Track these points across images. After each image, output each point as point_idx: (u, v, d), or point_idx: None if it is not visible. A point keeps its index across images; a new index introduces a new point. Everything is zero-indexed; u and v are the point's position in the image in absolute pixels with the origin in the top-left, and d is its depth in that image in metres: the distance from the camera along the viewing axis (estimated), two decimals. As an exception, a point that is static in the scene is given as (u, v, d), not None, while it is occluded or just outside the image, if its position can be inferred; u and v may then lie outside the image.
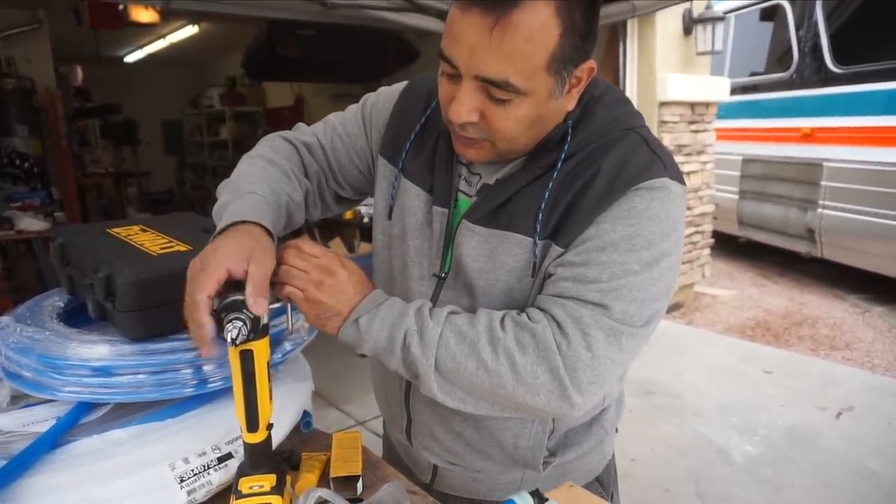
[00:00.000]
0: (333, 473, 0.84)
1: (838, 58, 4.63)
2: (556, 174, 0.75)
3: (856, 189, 4.46)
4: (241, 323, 0.63)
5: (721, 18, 4.01)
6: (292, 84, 7.57)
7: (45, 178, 4.23)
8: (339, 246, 4.32)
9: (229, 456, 0.83)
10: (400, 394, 0.91)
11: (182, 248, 0.99)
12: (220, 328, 0.64)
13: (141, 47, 7.80)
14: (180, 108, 9.53)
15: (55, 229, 1.08)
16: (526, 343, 0.70)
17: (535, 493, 0.72)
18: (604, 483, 1.00)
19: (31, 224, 3.14)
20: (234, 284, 0.67)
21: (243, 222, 0.74)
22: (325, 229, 4.76)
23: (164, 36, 7.08)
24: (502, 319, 0.73)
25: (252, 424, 0.72)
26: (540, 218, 0.74)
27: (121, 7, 4.48)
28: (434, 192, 0.84)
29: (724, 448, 2.64)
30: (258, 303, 0.64)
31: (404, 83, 0.95)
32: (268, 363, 0.72)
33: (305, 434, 0.99)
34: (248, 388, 0.71)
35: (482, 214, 0.78)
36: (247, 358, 0.69)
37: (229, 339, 0.62)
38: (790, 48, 5.05)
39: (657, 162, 0.74)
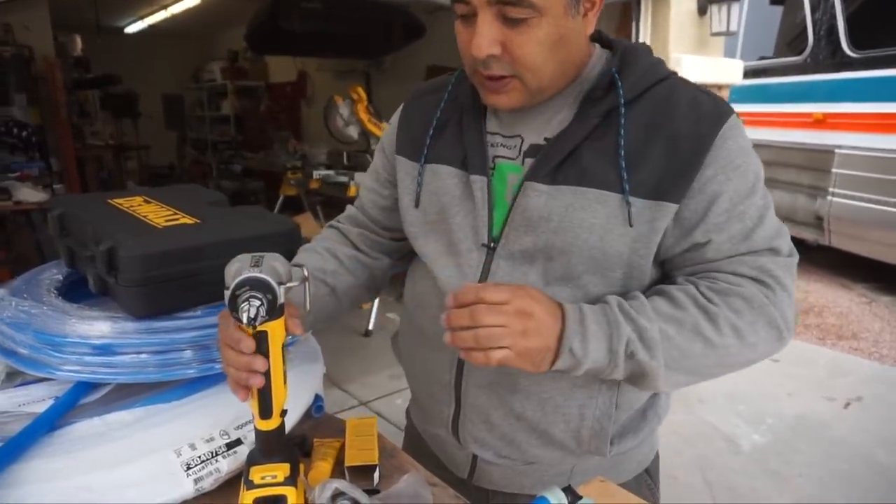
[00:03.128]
0: (349, 462, 0.79)
1: (854, 42, 4.53)
2: (623, 122, 0.72)
3: (868, 177, 4.38)
4: (259, 302, 0.58)
5: (737, -1, 3.91)
6: (295, 59, 7.43)
7: (43, 149, 4.15)
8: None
9: (238, 442, 0.78)
10: (448, 382, 0.85)
11: (188, 220, 0.94)
12: (233, 307, 0.59)
13: (142, 18, 7.63)
14: (181, 82, 9.38)
15: (53, 199, 1.02)
16: (739, 307, 0.72)
17: (568, 490, 0.68)
18: (652, 475, 0.96)
19: (29, 195, 3.07)
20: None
21: None
22: (329, 207, 4.69)
23: (165, 6, 6.92)
24: (701, 294, 0.73)
25: (265, 411, 0.67)
26: (624, 172, 0.71)
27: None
28: (468, 163, 0.80)
29: (732, 437, 2.61)
30: (294, 324, 0.68)
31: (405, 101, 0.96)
32: (283, 345, 0.67)
33: (316, 419, 0.94)
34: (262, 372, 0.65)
35: (546, 172, 0.74)
36: (261, 339, 0.64)
37: (245, 319, 0.57)
38: (801, 32, 4.94)
39: (717, 99, 0.76)
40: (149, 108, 8.15)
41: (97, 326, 0.81)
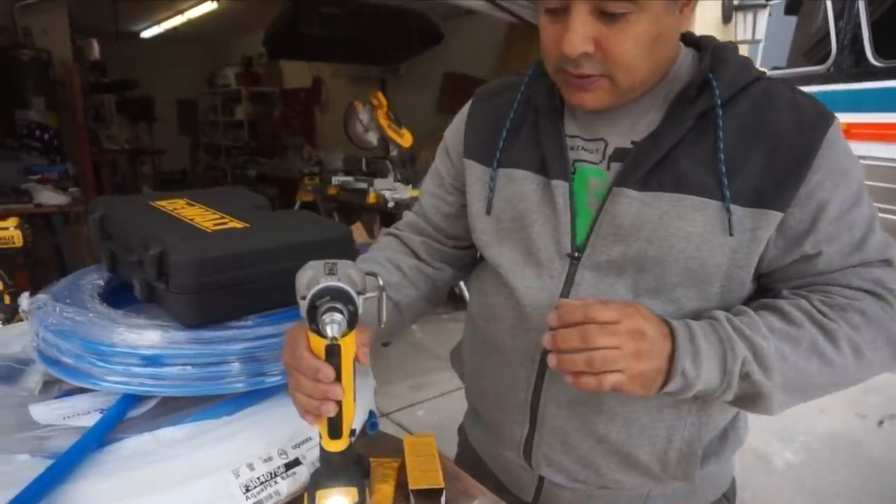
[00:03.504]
0: (413, 485, 0.74)
1: (879, 51, 4.47)
2: (721, 124, 0.67)
3: (892, 188, 4.31)
4: (341, 315, 0.53)
5: (763, 5, 3.87)
6: (310, 64, 7.44)
7: (61, 153, 4.13)
8: (359, 230, 4.22)
9: (297, 462, 0.73)
10: (524, 401, 0.80)
11: (237, 224, 0.89)
12: (311, 319, 0.54)
13: (158, 23, 7.67)
14: (196, 87, 9.41)
15: (95, 200, 0.98)
16: (857, 323, 0.67)
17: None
18: (730, 500, 0.91)
19: (50, 198, 3.05)
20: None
21: None
22: (344, 213, 4.66)
23: (182, 11, 6.95)
24: (816, 309, 0.68)
25: (335, 430, 0.62)
26: (724, 177, 0.66)
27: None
28: (547, 168, 0.76)
29: (765, 455, 2.54)
30: (363, 352, 0.65)
31: (471, 99, 0.91)
32: (354, 359, 0.63)
33: (370, 436, 0.89)
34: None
35: (638, 178, 0.69)
36: (333, 353, 0.59)
37: (330, 334, 0.52)
38: (818, 42, 4.89)
39: (816, 102, 0.71)
40: (163, 112, 8.17)
41: (147, 336, 0.76)
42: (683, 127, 0.69)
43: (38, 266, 3.31)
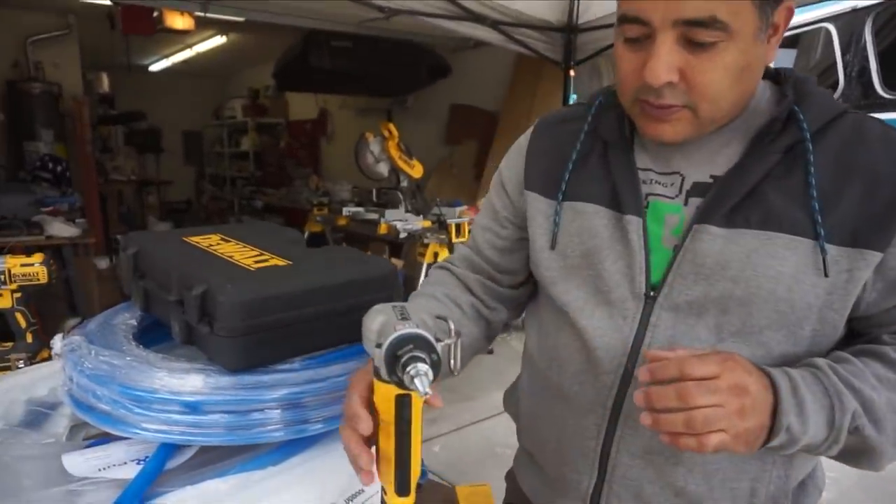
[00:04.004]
0: (475, 543, 0.69)
1: (887, 82, 4.50)
2: (812, 159, 0.64)
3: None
4: (426, 365, 0.49)
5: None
6: (317, 96, 7.51)
7: (71, 184, 4.12)
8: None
9: (351, 517, 0.68)
10: (593, 450, 0.75)
11: (280, 262, 0.86)
12: (391, 370, 0.50)
13: (167, 56, 7.75)
14: (202, 119, 9.49)
15: (127, 236, 0.95)
16: None
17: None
18: None
19: (62, 230, 3.02)
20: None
21: None
22: (352, 244, 4.63)
23: (190, 45, 7.03)
24: None
25: (403, 487, 0.58)
26: (818, 215, 0.63)
27: (155, 14, 4.41)
28: (619, 202, 0.72)
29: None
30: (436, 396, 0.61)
31: (530, 129, 0.87)
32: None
33: (420, 485, 0.84)
34: (402, 442, 0.56)
35: (722, 214, 0.66)
36: (404, 404, 0.55)
37: (421, 390, 0.48)
38: (822, 73, 4.92)
39: None
40: (169, 144, 8.21)
41: (189, 381, 0.72)
42: (769, 161, 0.65)
43: (45, 298, 3.27)
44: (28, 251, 1.56)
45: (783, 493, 0.70)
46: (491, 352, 3.81)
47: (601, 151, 0.76)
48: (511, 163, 0.87)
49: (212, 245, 0.94)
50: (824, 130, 0.66)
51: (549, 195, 0.79)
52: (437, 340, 0.53)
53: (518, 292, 0.89)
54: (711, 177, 0.69)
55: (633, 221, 0.71)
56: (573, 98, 3.80)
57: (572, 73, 3.67)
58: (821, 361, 0.63)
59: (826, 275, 0.62)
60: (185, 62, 7.82)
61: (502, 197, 0.87)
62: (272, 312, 0.75)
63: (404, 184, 3.90)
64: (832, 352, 0.67)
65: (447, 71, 5.44)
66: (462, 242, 0.97)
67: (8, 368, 1.09)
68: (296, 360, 0.79)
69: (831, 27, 4.94)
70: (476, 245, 0.90)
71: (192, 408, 0.72)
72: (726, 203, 0.65)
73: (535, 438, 0.87)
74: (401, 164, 3.81)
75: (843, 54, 4.84)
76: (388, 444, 0.57)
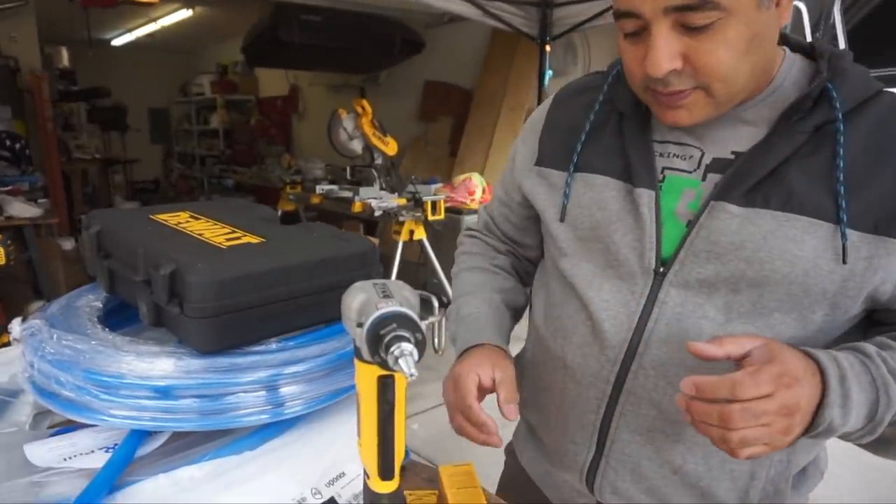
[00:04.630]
0: (460, 525, 0.68)
1: (856, 60, 4.55)
2: (842, 140, 0.61)
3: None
4: (410, 345, 0.46)
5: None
6: (287, 72, 7.33)
7: (32, 162, 3.97)
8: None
9: (332, 502, 0.66)
10: (592, 424, 0.74)
11: (252, 239, 0.82)
12: (373, 350, 0.47)
13: (130, 30, 7.48)
14: (169, 96, 9.22)
15: (90, 214, 0.90)
16: None
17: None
18: None
19: (22, 210, 2.91)
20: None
21: (472, 347, 0.80)
22: (326, 222, 4.57)
23: (155, 19, 6.79)
24: None
25: (387, 470, 0.55)
26: (842, 199, 0.60)
27: (116, -16, 4.24)
28: (632, 174, 0.70)
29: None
30: (511, 409, 0.70)
31: (547, 101, 0.85)
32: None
33: (403, 467, 0.82)
34: (385, 425, 0.54)
35: (741, 192, 0.63)
36: (387, 386, 0.53)
37: (407, 371, 0.45)
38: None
39: None
40: (135, 122, 7.97)
41: (159, 365, 0.69)
42: (796, 140, 0.63)
43: (7, 281, 3.16)
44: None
45: (783, 478, 0.70)
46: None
47: (616, 123, 0.74)
48: (526, 137, 0.85)
49: (180, 223, 0.89)
50: (858, 110, 0.63)
51: (561, 167, 0.77)
52: (421, 318, 0.50)
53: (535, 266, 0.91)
54: (733, 153, 0.67)
55: (644, 195, 0.68)
56: (549, 74, 3.76)
57: (548, 48, 3.63)
58: (871, 348, 0.61)
59: (844, 261, 0.60)
60: (150, 36, 7.56)
61: (513, 173, 0.86)
62: (245, 292, 0.71)
63: (378, 161, 3.84)
64: (875, 336, 0.65)
65: (421, 46, 5.35)
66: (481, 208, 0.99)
67: (-35, 354, 1.04)
68: (271, 341, 0.76)
69: (801, 6, 4.97)
70: (493, 219, 0.92)
71: (163, 392, 0.68)
72: (747, 181, 0.63)
73: (536, 409, 0.86)
74: (375, 140, 3.74)
75: (813, 32, 4.88)
76: (370, 425, 0.54)
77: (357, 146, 3.80)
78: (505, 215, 0.89)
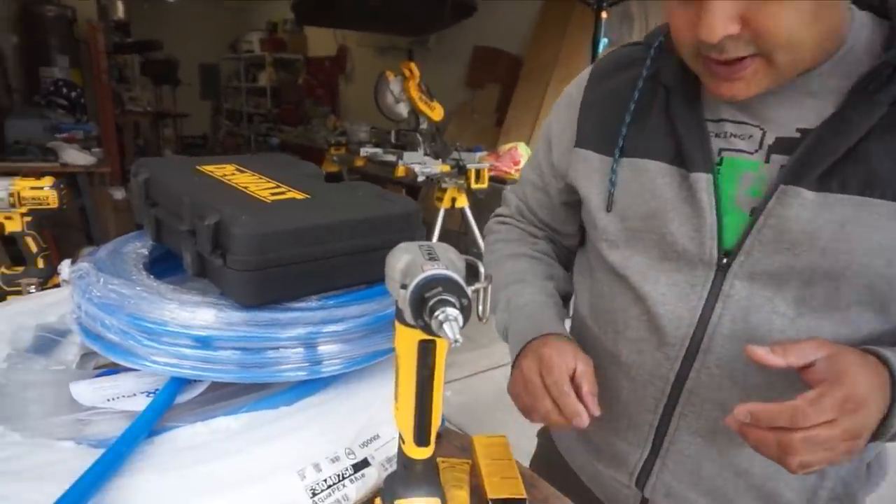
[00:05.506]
0: (493, 494, 0.67)
1: None
2: None
3: None
4: (456, 310, 0.44)
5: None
6: (336, 33, 7.29)
7: (87, 112, 4.07)
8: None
9: (365, 463, 0.66)
10: (648, 423, 0.71)
11: (297, 195, 0.81)
12: (417, 314, 0.46)
13: (184, -17, 7.56)
14: (219, 52, 9.30)
15: (138, 161, 0.90)
16: None
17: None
18: None
19: (77, 157, 2.98)
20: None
21: (536, 339, 0.74)
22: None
23: (208, -27, 6.83)
24: None
25: (422, 437, 0.55)
26: None
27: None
28: (685, 158, 0.64)
29: None
30: (593, 403, 0.65)
31: (582, 77, 0.79)
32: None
33: (439, 434, 0.82)
34: (423, 390, 0.53)
35: (815, 176, 0.57)
36: (428, 351, 0.51)
37: (451, 336, 0.43)
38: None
39: None
40: (186, 77, 8.08)
41: (200, 315, 0.69)
42: (874, 114, 0.55)
43: (62, 226, 3.27)
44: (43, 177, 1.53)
45: (854, 477, 0.66)
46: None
47: (663, 100, 0.68)
48: (561, 116, 0.79)
49: (226, 175, 0.89)
50: None
51: (604, 151, 0.71)
52: (467, 284, 0.48)
53: (574, 247, 0.87)
54: (799, 130, 0.60)
55: (701, 179, 0.63)
56: (603, 43, 3.64)
57: (605, 15, 3.49)
58: None
59: None
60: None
61: (549, 155, 0.80)
62: (288, 247, 0.71)
63: (424, 126, 3.81)
64: None
65: (472, 10, 5.22)
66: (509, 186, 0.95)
67: (19, 293, 1.07)
68: (312, 298, 0.75)
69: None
70: (528, 205, 0.86)
71: (203, 342, 0.69)
72: (820, 163, 0.57)
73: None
74: (421, 105, 3.70)
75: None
76: (408, 391, 0.53)
77: (403, 110, 3.77)
78: (541, 201, 0.84)
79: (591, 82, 0.77)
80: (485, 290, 0.53)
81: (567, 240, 0.86)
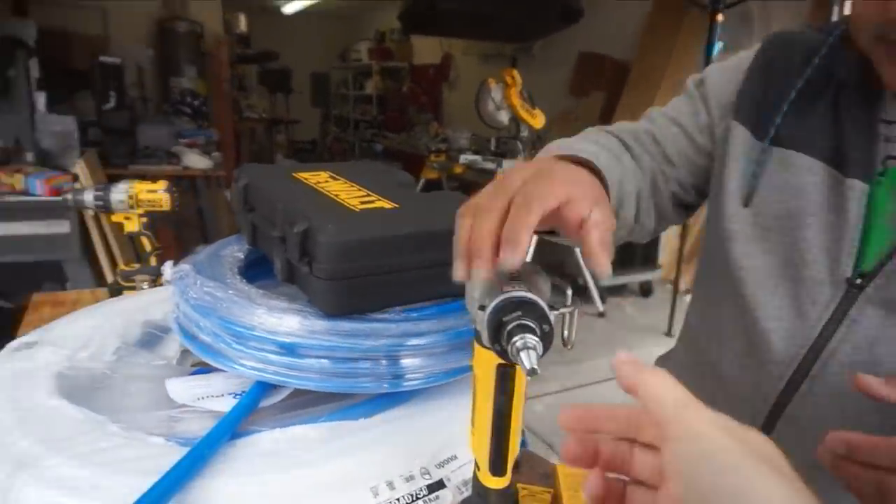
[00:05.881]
0: (576, 531, 0.63)
1: None
2: None
3: None
4: (535, 338, 0.41)
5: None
6: (441, 41, 7.41)
7: (208, 119, 4.37)
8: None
9: (440, 485, 0.64)
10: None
11: (385, 204, 0.81)
12: (495, 338, 0.43)
13: (301, -2, 7.97)
14: (329, 61, 9.73)
15: (240, 168, 0.94)
16: None
17: None
18: None
19: (197, 161, 3.21)
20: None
21: (578, 164, 0.55)
22: (468, 192, 4.59)
23: (324, -13, 7.16)
24: None
25: (498, 466, 0.52)
26: None
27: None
28: (844, 159, 0.57)
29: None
30: (603, 263, 0.42)
31: (751, 49, 0.70)
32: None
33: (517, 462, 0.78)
34: (500, 417, 0.50)
35: None
36: (506, 377, 0.48)
37: (527, 366, 0.40)
38: None
39: None
40: (298, 85, 8.51)
41: (286, 321, 0.70)
42: None
43: (182, 225, 3.52)
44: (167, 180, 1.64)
45: None
46: (602, 315, 3.68)
47: (832, 94, 0.61)
48: (724, 76, 0.71)
49: (319, 182, 0.90)
50: None
51: (756, 134, 0.64)
52: (551, 308, 0.45)
53: (669, 211, 0.75)
54: None
55: (855, 187, 0.56)
56: (717, 47, 3.43)
57: (720, 17, 3.30)
58: None
59: None
60: (317, 4, 7.98)
61: (701, 108, 0.72)
62: (372, 257, 0.70)
63: (524, 134, 3.77)
64: None
65: (578, 15, 5.13)
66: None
67: (133, 289, 1.15)
68: (395, 310, 0.74)
69: None
70: (655, 134, 0.74)
71: (288, 349, 0.69)
72: None
73: None
74: (522, 113, 3.67)
75: None
76: (484, 415, 0.50)
77: (504, 117, 3.75)
78: (665, 133, 0.72)
79: (762, 51, 0.70)
80: (571, 314, 0.49)
81: (677, 189, 0.73)
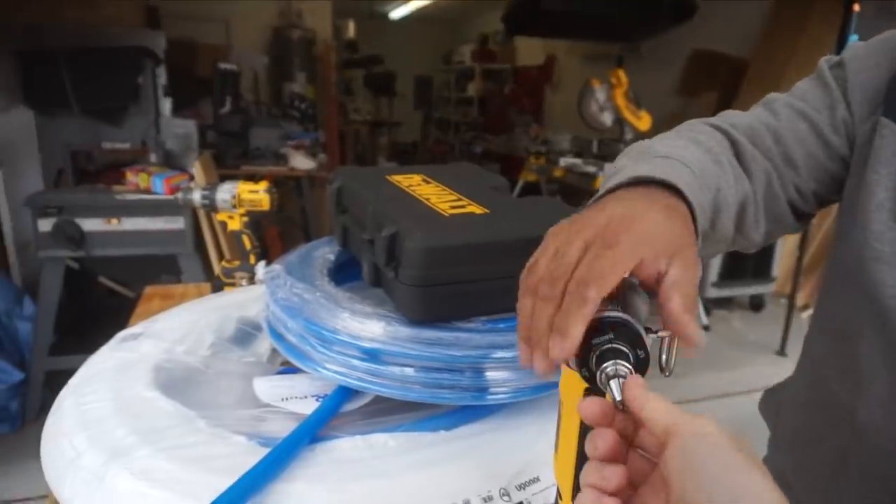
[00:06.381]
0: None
1: None
2: None
3: None
4: (627, 367, 0.37)
5: None
6: (545, 42, 7.30)
7: (316, 121, 4.56)
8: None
9: (521, 508, 0.60)
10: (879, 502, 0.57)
11: (476, 209, 0.78)
12: (583, 363, 0.39)
13: (406, 2, 8.13)
14: (433, 64, 9.88)
15: (336, 170, 0.94)
16: None
17: None
18: None
19: (302, 162, 3.35)
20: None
21: (657, 184, 0.48)
22: (567, 196, 4.48)
23: (430, -7, 7.27)
24: None
25: (583, 499, 0.47)
26: None
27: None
28: None
29: None
30: (692, 329, 0.39)
31: None
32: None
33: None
34: (584, 446, 0.45)
35: None
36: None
37: (616, 396, 0.36)
38: None
39: None
40: (402, 88, 8.71)
41: (369, 326, 0.68)
42: None
43: (287, 224, 3.68)
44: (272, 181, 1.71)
45: None
46: (707, 328, 3.46)
47: None
48: (871, 59, 0.59)
49: (411, 185, 0.89)
50: None
51: None
52: (648, 331, 0.40)
53: (785, 220, 0.64)
54: None
55: None
56: (852, 40, 3.13)
57: (856, 7, 3.00)
58: None
59: None
60: (422, 9, 8.13)
61: (839, 99, 0.60)
62: (458, 264, 0.67)
63: (629, 136, 3.62)
64: None
65: (691, 12, 4.86)
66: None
67: (234, 285, 1.19)
68: (480, 320, 0.71)
69: None
70: (775, 130, 0.62)
71: (371, 355, 0.68)
72: None
73: (797, 465, 0.67)
74: (627, 114, 3.53)
75: None
76: (569, 442, 0.46)
77: (607, 119, 3.63)
78: (802, 137, 0.60)
79: None
80: (671, 338, 0.44)
81: (796, 198, 0.62)
